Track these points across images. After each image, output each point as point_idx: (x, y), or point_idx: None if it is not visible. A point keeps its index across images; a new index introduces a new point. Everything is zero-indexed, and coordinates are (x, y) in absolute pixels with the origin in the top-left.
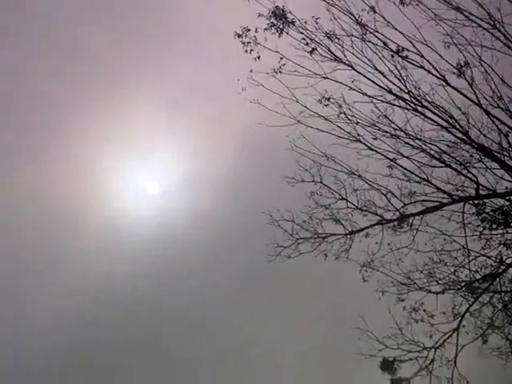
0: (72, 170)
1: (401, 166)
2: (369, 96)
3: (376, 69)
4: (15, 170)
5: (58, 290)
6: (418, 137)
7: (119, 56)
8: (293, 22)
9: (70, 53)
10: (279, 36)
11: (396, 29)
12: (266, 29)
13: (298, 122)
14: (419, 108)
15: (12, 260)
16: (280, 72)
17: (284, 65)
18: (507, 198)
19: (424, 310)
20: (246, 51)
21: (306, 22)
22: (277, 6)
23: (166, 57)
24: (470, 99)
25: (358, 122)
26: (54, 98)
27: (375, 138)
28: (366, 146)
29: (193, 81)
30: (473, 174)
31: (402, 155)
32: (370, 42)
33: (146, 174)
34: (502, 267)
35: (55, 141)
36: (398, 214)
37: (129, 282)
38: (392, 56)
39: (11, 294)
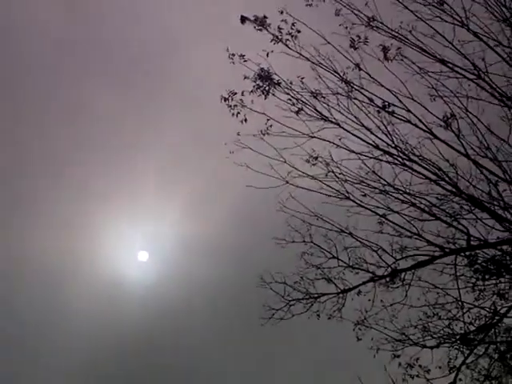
0: (63, 235)
1: (391, 221)
2: (356, 153)
3: (363, 125)
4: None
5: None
6: (407, 191)
7: (112, 120)
8: (278, 83)
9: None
10: (265, 98)
11: (381, 85)
12: (251, 91)
13: (287, 182)
14: (407, 162)
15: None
16: (267, 133)
17: (271, 126)
18: (498, 247)
19: (420, 366)
20: (233, 114)
21: (291, 83)
22: (262, 68)
23: (154, 122)
24: (457, 151)
25: (347, 180)
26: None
27: (364, 195)
28: (356, 203)
29: (181, 146)
30: (463, 226)
31: (392, 210)
32: (355, 98)
33: (137, 241)
34: (496, 317)
35: (46, 205)
36: (389, 269)
37: (118, 349)
38: (378, 112)
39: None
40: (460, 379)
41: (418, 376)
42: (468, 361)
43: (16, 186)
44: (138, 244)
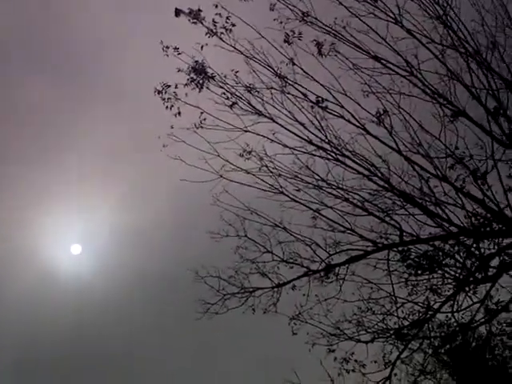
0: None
1: (324, 216)
2: (290, 148)
3: (296, 120)
4: None
5: None
6: (340, 186)
7: (50, 110)
8: (213, 77)
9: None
10: (199, 91)
11: (315, 80)
12: (186, 84)
13: (221, 176)
14: (340, 157)
15: None
16: (201, 127)
17: (205, 119)
18: (431, 243)
19: (355, 360)
20: (167, 107)
21: (225, 76)
22: (196, 61)
23: (88, 116)
24: (389, 147)
25: (280, 174)
26: None
27: (298, 190)
28: (289, 197)
29: (116, 139)
30: (396, 221)
31: (326, 205)
32: (289, 93)
33: (70, 234)
34: (429, 312)
35: None
36: (323, 264)
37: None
38: (312, 107)
39: None
40: (395, 374)
41: (353, 371)
42: (403, 356)
43: None
44: (70, 237)
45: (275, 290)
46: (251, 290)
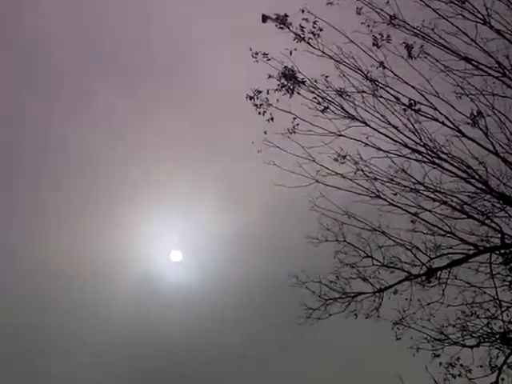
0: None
1: (423, 219)
2: (384, 151)
3: (389, 123)
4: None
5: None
6: (438, 189)
7: (141, 120)
8: (303, 82)
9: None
10: (290, 96)
11: (406, 82)
12: (276, 90)
13: (317, 181)
14: (436, 160)
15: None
16: (294, 132)
17: (297, 125)
18: None
19: (461, 365)
20: (259, 113)
21: (316, 81)
22: (286, 67)
23: (184, 121)
24: (486, 148)
25: (376, 178)
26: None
27: (395, 194)
28: (387, 201)
29: (211, 146)
30: (496, 224)
31: (424, 209)
32: (381, 97)
33: (170, 242)
34: None
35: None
36: (424, 268)
37: (151, 348)
38: (404, 110)
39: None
40: (502, 379)
41: (459, 375)
42: (509, 360)
43: (61, 188)
44: (170, 243)
45: (377, 294)
46: (353, 294)
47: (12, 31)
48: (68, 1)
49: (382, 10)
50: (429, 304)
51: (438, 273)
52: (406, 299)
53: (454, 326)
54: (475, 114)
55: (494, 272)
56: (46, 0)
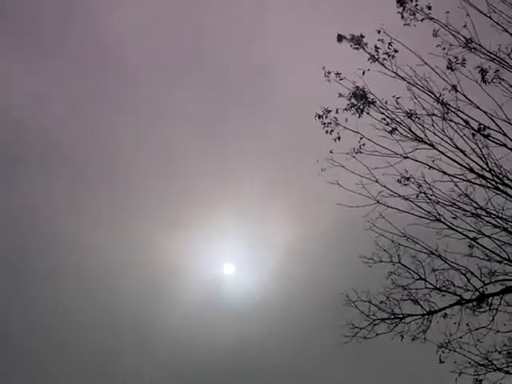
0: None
1: (481, 245)
2: (449, 175)
3: (457, 147)
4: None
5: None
6: (500, 215)
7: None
8: (373, 102)
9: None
10: (359, 116)
11: (478, 107)
12: (346, 109)
13: (378, 202)
14: (501, 186)
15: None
16: (360, 152)
17: (364, 145)
18: None
19: None
20: (327, 132)
21: (386, 102)
22: (357, 87)
23: (247, 135)
24: None
25: (438, 202)
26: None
27: (455, 218)
28: (446, 225)
29: (276, 163)
30: None
31: (483, 234)
32: (451, 120)
33: (223, 256)
34: None
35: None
36: (477, 293)
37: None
38: (473, 135)
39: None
40: None
41: None
42: None
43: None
44: (224, 256)
45: (426, 317)
46: (401, 316)
47: None
48: None
49: (458, 33)
50: (477, 329)
51: (490, 299)
52: (455, 323)
53: (499, 352)
54: None
55: None
56: None
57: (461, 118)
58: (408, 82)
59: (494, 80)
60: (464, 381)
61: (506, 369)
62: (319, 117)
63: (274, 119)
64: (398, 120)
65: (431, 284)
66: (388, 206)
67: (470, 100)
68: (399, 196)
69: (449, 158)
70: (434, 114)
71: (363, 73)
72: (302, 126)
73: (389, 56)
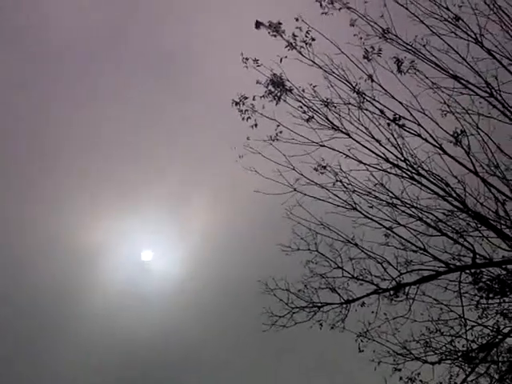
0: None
1: (397, 234)
2: (365, 164)
3: (373, 137)
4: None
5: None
6: (415, 205)
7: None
8: (290, 90)
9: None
10: (276, 104)
11: (393, 97)
12: (263, 96)
13: (295, 189)
14: (416, 176)
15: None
16: (277, 139)
17: (281, 132)
18: (504, 266)
19: (421, 381)
20: (243, 118)
21: (303, 90)
22: (274, 74)
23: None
24: (466, 167)
25: (355, 190)
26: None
27: (371, 207)
28: (362, 214)
29: (192, 149)
30: (469, 243)
31: (399, 224)
32: (367, 110)
33: (141, 241)
34: (498, 337)
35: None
36: (394, 283)
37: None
38: (389, 124)
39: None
40: None
41: None
42: (469, 379)
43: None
44: (141, 243)
45: (344, 306)
46: (320, 304)
47: None
48: None
49: (375, 23)
50: (394, 318)
51: (407, 288)
52: (373, 312)
53: (417, 341)
54: (458, 132)
55: (462, 291)
56: None
57: (376, 107)
58: (325, 71)
59: (410, 71)
60: (384, 370)
61: (423, 358)
62: (236, 103)
63: (193, 105)
64: (315, 108)
65: (348, 273)
66: (305, 194)
67: (385, 90)
68: (316, 184)
69: (364, 147)
70: (350, 103)
71: (280, 60)
72: (219, 113)
73: (306, 44)
